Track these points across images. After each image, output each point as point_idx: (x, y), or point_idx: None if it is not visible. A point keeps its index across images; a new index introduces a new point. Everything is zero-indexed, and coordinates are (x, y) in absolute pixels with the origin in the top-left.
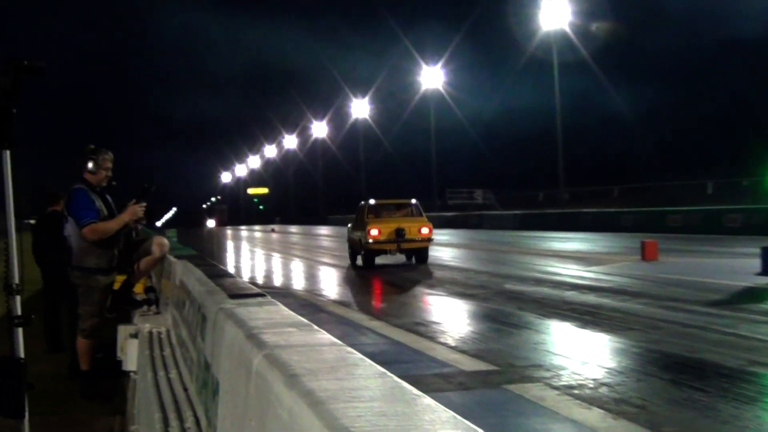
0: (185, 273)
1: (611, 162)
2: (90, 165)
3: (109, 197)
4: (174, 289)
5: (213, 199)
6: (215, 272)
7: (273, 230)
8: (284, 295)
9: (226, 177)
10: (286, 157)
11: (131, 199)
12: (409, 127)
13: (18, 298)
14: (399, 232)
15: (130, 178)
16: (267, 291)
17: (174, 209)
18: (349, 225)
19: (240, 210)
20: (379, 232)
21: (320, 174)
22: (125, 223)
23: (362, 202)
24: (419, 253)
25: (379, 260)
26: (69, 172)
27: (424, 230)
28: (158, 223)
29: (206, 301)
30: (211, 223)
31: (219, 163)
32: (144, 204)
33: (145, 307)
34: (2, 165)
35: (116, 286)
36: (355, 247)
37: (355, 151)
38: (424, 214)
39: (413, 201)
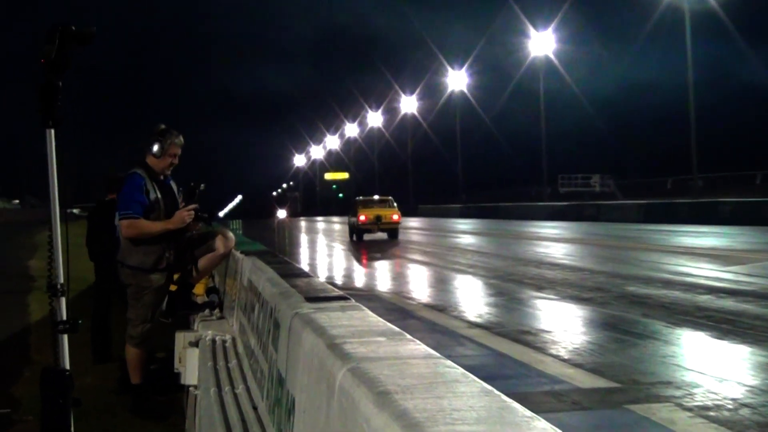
0: (254, 272)
1: (754, 143)
2: (155, 148)
3: (174, 187)
4: (241, 290)
5: (284, 185)
6: (289, 271)
7: None
8: (368, 297)
9: (299, 160)
10: (369, 136)
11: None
12: (514, 102)
13: (63, 301)
14: (378, 218)
15: (189, 162)
16: (348, 293)
17: (239, 197)
18: (350, 214)
19: (315, 198)
20: (366, 217)
21: (409, 157)
22: (169, 230)
23: (356, 198)
24: (391, 232)
25: (368, 237)
26: (128, 154)
27: (395, 216)
28: (221, 213)
29: (279, 305)
30: (282, 213)
31: (291, 144)
32: (193, 207)
33: (206, 312)
34: (45, 146)
35: (173, 286)
36: (352, 228)
37: (451, 131)
38: (395, 206)
39: (389, 197)
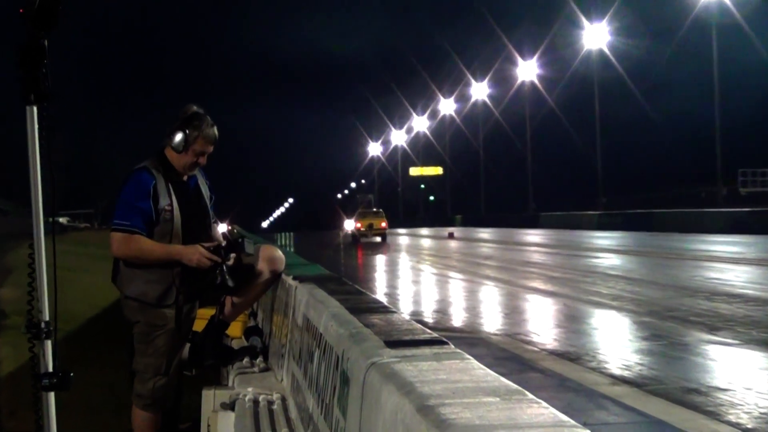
0: (312, 305)
1: None
2: (177, 138)
3: (205, 189)
4: (293, 330)
5: (352, 185)
6: (361, 304)
7: (451, 235)
8: (471, 341)
9: (373, 149)
10: (470, 116)
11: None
12: (677, 73)
13: (49, 345)
14: (370, 225)
15: (218, 153)
16: (444, 334)
17: (289, 202)
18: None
19: (397, 201)
20: (361, 225)
21: (528, 145)
22: (175, 260)
23: (357, 211)
24: (382, 236)
25: (364, 240)
26: (141, 143)
27: (383, 224)
28: (264, 224)
29: (349, 352)
30: (350, 224)
31: (361, 127)
32: (213, 244)
33: (245, 360)
34: (26, 130)
35: (198, 325)
36: (352, 235)
37: (583, 112)
38: (384, 216)
39: (380, 210)
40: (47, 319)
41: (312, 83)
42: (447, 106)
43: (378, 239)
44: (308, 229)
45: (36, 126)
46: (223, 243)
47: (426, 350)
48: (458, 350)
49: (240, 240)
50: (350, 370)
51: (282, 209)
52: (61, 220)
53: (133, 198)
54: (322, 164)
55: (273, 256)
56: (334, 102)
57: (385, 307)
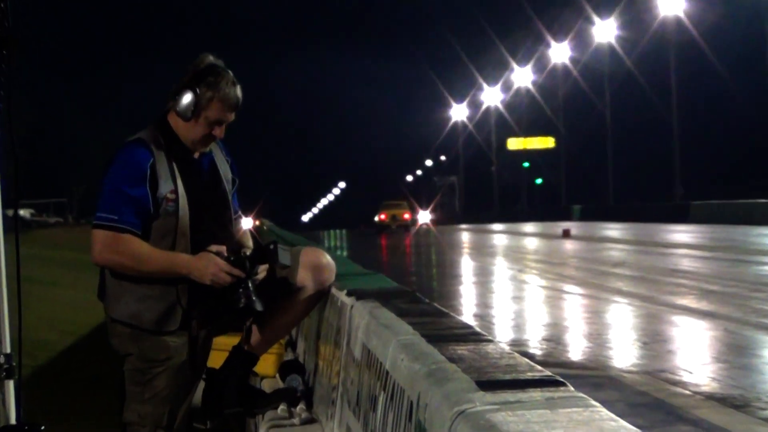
0: (375, 331)
1: None
2: (185, 100)
3: (224, 170)
4: (348, 366)
5: (427, 163)
6: (443, 330)
7: (566, 232)
8: (597, 381)
9: (457, 113)
10: (592, 71)
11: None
12: None
13: (11, 387)
14: (394, 217)
15: (248, 118)
16: (560, 371)
17: (340, 187)
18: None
19: (490, 185)
20: (385, 216)
21: (674, 111)
22: (181, 274)
23: (382, 202)
24: (405, 228)
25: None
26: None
27: (406, 215)
28: (305, 218)
29: (428, 396)
30: (424, 215)
31: (440, 84)
32: (246, 276)
33: (281, 408)
34: None
35: (215, 360)
36: (376, 225)
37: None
38: (407, 207)
39: (404, 201)
40: (8, 351)
41: (372, 25)
42: (559, 52)
43: (400, 229)
44: (365, 225)
45: None
46: (249, 249)
47: (535, 394)
48: (579, 393)
49: (272, 246)
50: (429, 421)
51: (330, 198)
52: (22, 212)
53: (123, 182)
54: (386, 137)
55: (319, 263)
56: (404, 51)
57: (475, 333)
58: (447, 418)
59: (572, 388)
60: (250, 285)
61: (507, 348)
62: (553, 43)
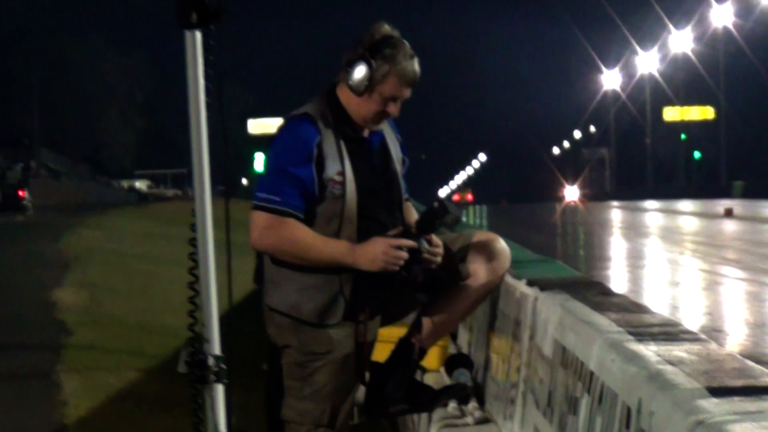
0: (573, 327)
1: None
2: (359, 73)
3: (394, 151)
4: (536, 362)
5: (576, 134)
6: (650, 327)
7: (728, 212)
8: None
9: (607, 80)
10: (760, 35)
11: None
12: None
13: (221, 392)
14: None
15: None
16: None
17: (481, 159)
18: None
19: (644, 160)
20: (458, 197)
21: None
22: (347, 264)
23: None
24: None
25: None
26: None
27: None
28: (442, 192)
29: (653, 402)
30: (571, 191)
31: (587, 50)
32: (417, 244)
33: (451, 406)
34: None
35: (379, 353)
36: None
37: None
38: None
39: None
40: (217, 352)
41: None
42: (721, 14)
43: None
44: (509, 201)
45: (200, 59)
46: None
47: None
48: None
49: (436, 204)
50: (656, 429)
51: (469, 171)
52: (138, 184)
53: (288, 161)
54: (530, 106)
55: (493, 247)
56: (549, 11)
57: (687, 332)
58: (682, 427)
59: None
60: (424, 257)
61: (726, 349)
62: (714, 3)
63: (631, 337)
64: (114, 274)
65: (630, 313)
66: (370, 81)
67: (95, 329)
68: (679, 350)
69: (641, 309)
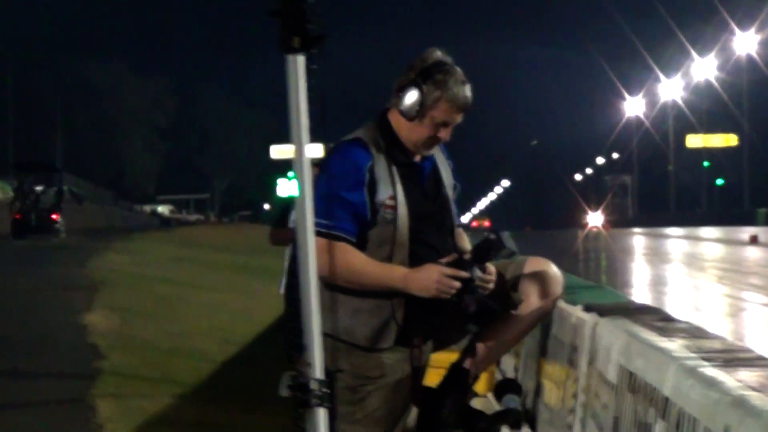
0: (643, 353)
1: None
2: (410, 98)
3: (446, 176)
4: (597, 388)
5: (598, 161)
6: (719, 352)
7: (753, 239)
8: None
9: (630, 107)
10: None
11: None
12: None
13: (322, 417)
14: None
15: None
16: None
17: (503, 185)
18: None
19: (666, 187)
20: (477, 223)
21: None
22: (399, 288)
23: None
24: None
25: None
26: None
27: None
28: (464, 218)
29: (741, 428)
30: (595, 218)
31: (609, 76)
32: (470, 274)
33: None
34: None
35: (431, 378)
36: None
37: None
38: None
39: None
40: (320, 376)
41: (538, 10)
42: (743, 42)
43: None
44: (532, 227)
45: (302, 83)
46: (467, 254)
47: None
48: None
49: (491, 235)
50: None
51: (491, 196)
52: (160, 209)
53: (340, 185)
54: (553, 132)
55: (546, 272)
56: (572, 38)
57: (761, 357)
58: None
59: None
60: (477, 286)
61: None
62: (737, 31)
63: (706, 363)
64: (142, 297)
65: (698, 339)
66: (421, 106)
67: (127, 353)
68: (755, 375)
69: (707, 334)
